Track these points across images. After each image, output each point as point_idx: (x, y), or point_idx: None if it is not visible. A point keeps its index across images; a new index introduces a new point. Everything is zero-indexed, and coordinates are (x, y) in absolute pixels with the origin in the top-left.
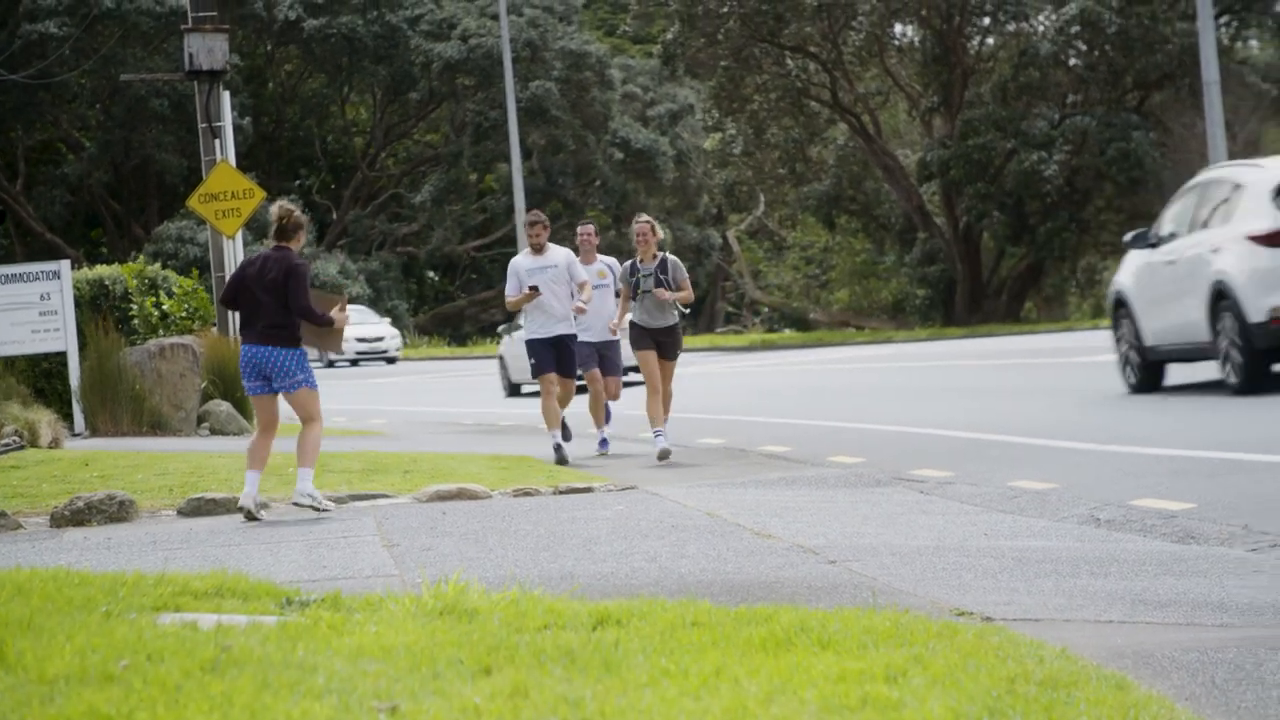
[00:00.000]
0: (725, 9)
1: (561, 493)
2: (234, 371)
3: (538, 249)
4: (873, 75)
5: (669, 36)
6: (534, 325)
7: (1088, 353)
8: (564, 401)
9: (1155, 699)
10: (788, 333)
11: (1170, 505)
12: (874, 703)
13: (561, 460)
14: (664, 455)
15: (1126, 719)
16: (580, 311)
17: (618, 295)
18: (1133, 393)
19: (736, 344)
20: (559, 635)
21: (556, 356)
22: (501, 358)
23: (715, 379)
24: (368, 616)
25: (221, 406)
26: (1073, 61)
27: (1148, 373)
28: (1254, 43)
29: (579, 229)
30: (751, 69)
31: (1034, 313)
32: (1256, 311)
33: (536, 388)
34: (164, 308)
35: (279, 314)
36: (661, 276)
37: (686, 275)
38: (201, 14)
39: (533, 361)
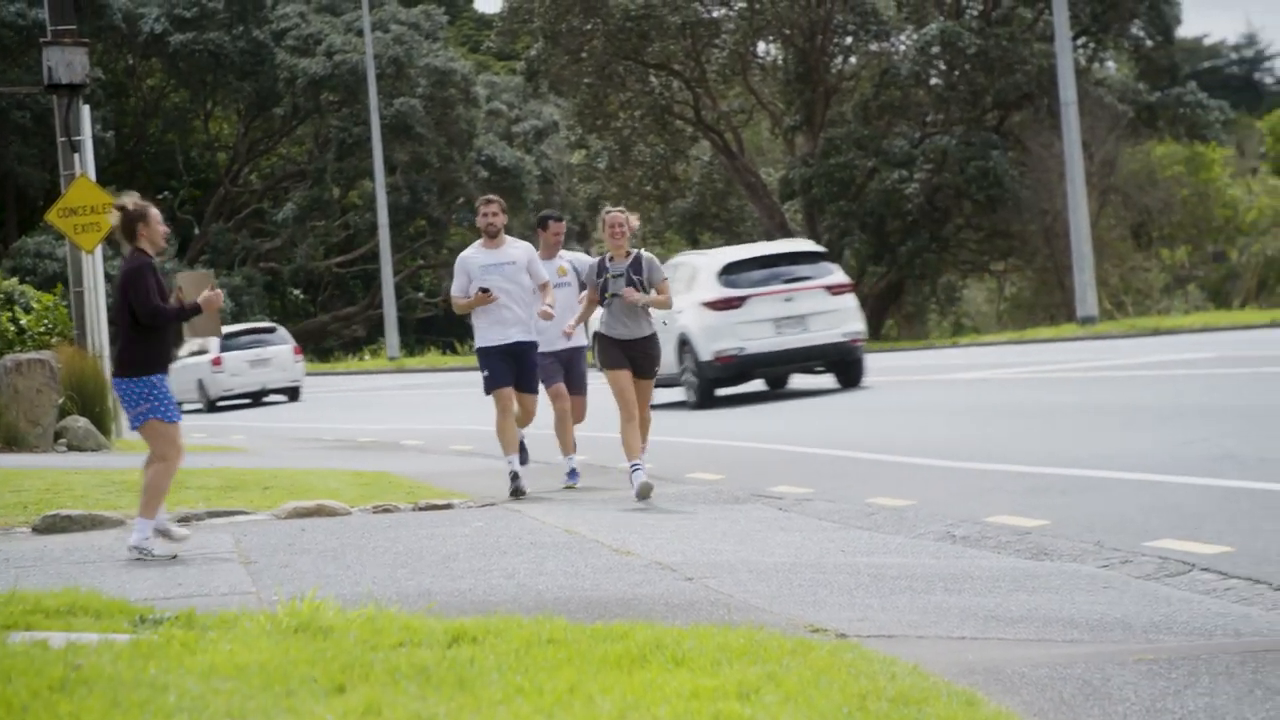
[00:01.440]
0: (589, 26)
1: (421, 509)
2: (92, 388)
3: (493, 237)
4: (736, 93)
5: (533, 53)
6: (487, 331)
7: (947, 370)
8: (524, 421)
9: (1005, 715)
10: None
11: (1024, 522)
12: None
13: (518, 492)
14: (644, 492)
15: None
16: (546, 317)
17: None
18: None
19: None
20: (414, 653)
21: (515, 368)
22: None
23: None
24: (222, 634)
25: (79, 422)
26: (933, 81)
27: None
28: (1110, 64)
29: (552, 224)
30: (616, 86)
31: (895, 330)
32: (706, 353)
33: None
34: (21, 323)
35: (123, 333)
36: (635, 277)
37: (665, 276)
38: (60, 27)
39: (485, 374)
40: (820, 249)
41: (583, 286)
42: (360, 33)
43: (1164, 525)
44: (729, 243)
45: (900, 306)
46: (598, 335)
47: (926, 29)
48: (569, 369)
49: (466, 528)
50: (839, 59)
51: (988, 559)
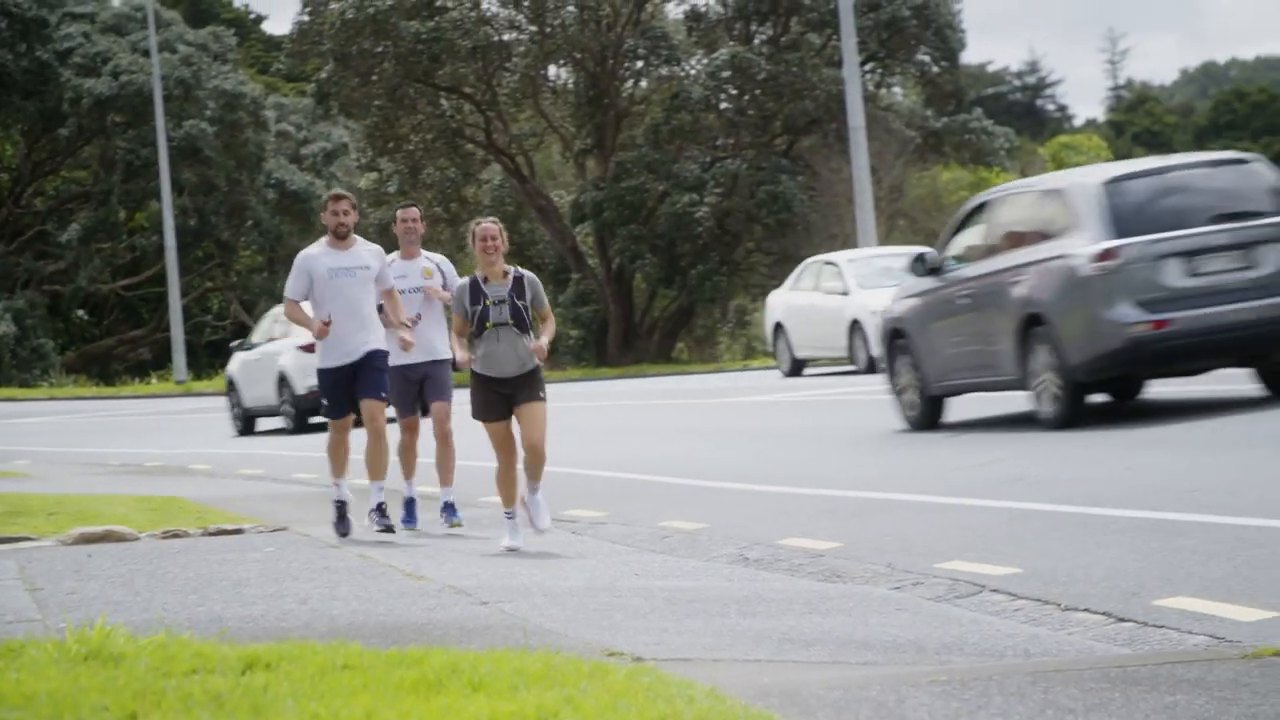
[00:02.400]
0: (380, 49)
1: (211, 534)
2: None
3: (342, 237)
4: (527, 116)
5: (323, 75)
6: (329, 347)
7: (737, 393)
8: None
9: None
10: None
11: (817, 544)
12: None
13: (344, 532)
14: (513, 548)
15: None
16: (405, 346)
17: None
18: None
19: None
20: (207, 680)
21: (359, 387)
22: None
23: None
24: (8, 663)
25: None
26: (723, 106)
27: (248, 423)
28: (898, 90)
29: (400, 213)
30: (406, 109)
31: (686, 353)
32: (302, 387)
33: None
34: None
35: None
36: (519, 303)
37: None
38: None
39: (324, 402)
40: None
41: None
42: (147, 53)
43: (955, 547)
44: (521, 265)
45: (691, 330)
46: (474, 376)
47: (717, 54)
48: (428, 379)
49: (257, 553)
50: (630, 83)
51: (781, 581)
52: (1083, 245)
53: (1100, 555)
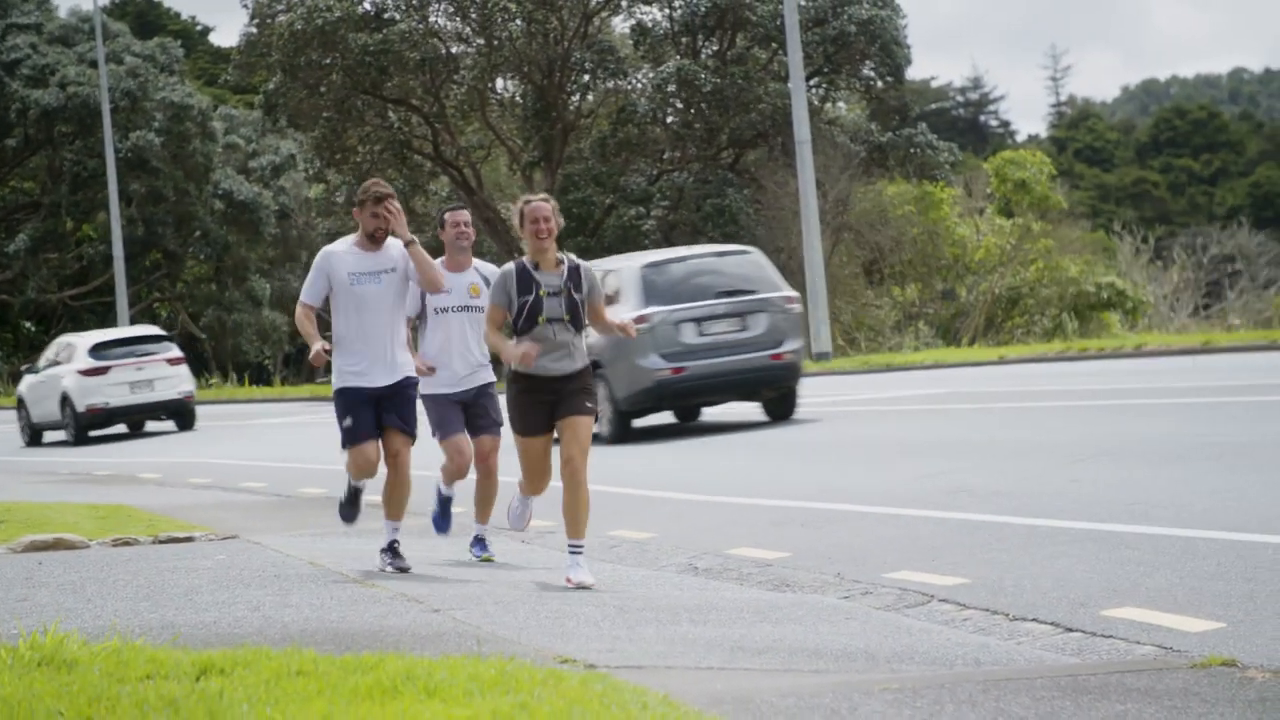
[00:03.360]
0: (328, 61)
1: (162, 542)
2: None
3: (376, 240)
4: (475, 129)
5: (271, 87)
6: (349, 365)
7: None
8: (396, 483)
9: None
10: None
11: (766, 554)
12: None
13: (350, 517)
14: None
15: None
16: (424, 371)
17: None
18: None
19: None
20: (162, 685)
21: (386, 408)
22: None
23: (313, 428)
24: None
25: None
26: (670, 119)
27: (35, 435)
28: (842, 105)
29: (448, 216)
30: (354, 121)
31: None
32: (81, 405)
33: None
34: None
35: None
36: (575, 296)
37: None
38: None
39: (346, 424)
40: (163, 332)
41: None
42: (94, 64)
43: (903, 557)
44: None
45: None
46: (514, 377)
47: (663, 68)
48: (473, 409)
49: (208, 560)
50: (577, 96)
51: (731, 590)
52: (626, 312)
53: (1047, 566)
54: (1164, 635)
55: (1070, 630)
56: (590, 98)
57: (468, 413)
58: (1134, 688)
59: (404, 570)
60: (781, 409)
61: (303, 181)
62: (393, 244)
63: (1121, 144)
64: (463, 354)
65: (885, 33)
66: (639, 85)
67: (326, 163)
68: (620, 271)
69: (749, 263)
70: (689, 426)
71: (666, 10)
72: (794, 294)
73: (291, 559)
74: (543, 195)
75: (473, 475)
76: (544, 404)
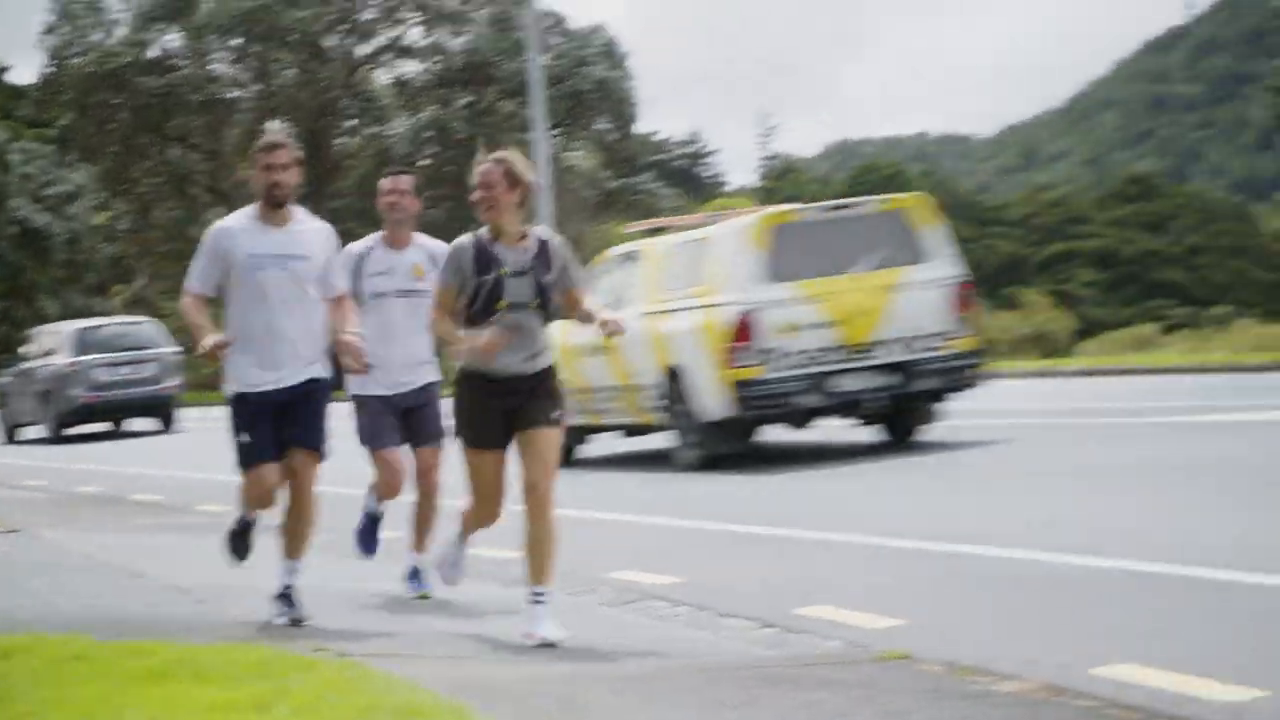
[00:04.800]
0: (118, 100)
1: None
2: None
3: (277, 204)
4: (248, 165)
5: (65, 123)
6: (249, 364)
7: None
8: (290, 509)
9: None
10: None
11: (503, 554)
12: None
13: (241, 553)
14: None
15: None
16: (357, 368)
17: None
18: None
19: None
20: None
21: (289, 422)
22: None
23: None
24: None
25: None
26: (426, 162)
27: None
28: (579, 154)
29: (384, 183)
30: (139, 156)
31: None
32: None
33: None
34: None
35: None
36: (544, 280)
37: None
38: None
39: (243, 439)
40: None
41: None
42: None
43: (624, 559)
44: None
45: None
46: (464, 377)
47: (420, 115)
48: (414, 416)
49: None
50: (342, 139)
51: (472, 587)
52: (61, 360)
53: (749, 568)
54: (850, 632)
55: (768, 626)
56: (354, 140)
57: (406, 420)
58: (825, 678)
59: (300, 622)
60: None
61: (90, 209)
62: (304, 220)
63: (821, 194)
64: (404, 347)
65: (617, 92)
66: (398, 131)
67: (112, 193)
68: (60, 332)
69: (149, 327)
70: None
71: (425, 65)
72: (178, 348)
73: (69, 552)
74: (496, 156)
75: (409, 495)
76: (501, 411)
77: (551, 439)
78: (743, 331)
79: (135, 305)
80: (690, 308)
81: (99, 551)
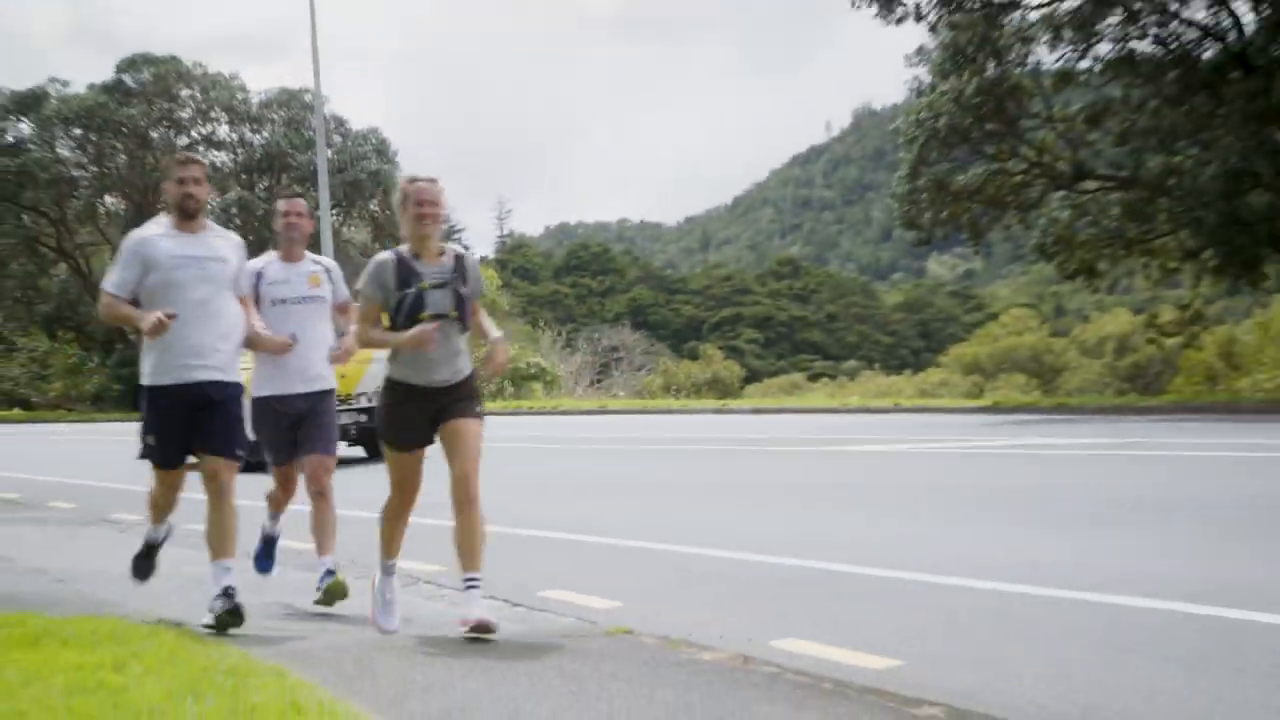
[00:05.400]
0: None
1: None
2: None
3: (190, 215)
4: (89, 230)
5: None
6: (168, 359)
7: None
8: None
9: (305, 684)
10: (15, 410)
11: (306, 545)
12: (107, 686)
13: (143, 574)
14: (486, 627)
15: (284, 694)
16: (282, 348)
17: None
18: None
19: None
20: None
21: (205, 424)
22: None
23: None
24: None
25: None
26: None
27: None
28: (355, 229)
29: (282, 204)
30: None
31: None
32: None
33: None
34: None
35: None
36: (462, 291)
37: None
38: None
39: (149, 440)
40: None
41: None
42: None
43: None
44: (78, 339)
45: None
46: (390, 386)
47: (228, 195)
48: (308, 422)
49: None
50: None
51: (294, 574)
52: None
53: (504, 558)
54: (581, 611)
55: (517, 605)
56: None
57: (301, 425)
58: (566, 649)
59: (235, 612)
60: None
61: None
62: (217, 232)
63: (545, 265)
64: (303, 353)
65: (387, 180)
66: (211, 208)
67: None
68: None
69: None
70: None
71: (232, 156)
72: None
73: None
74: (430, 176)
75: (304, 505)
76: (426, 414)
77: (474, 430)
78: None
79: None
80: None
81: None
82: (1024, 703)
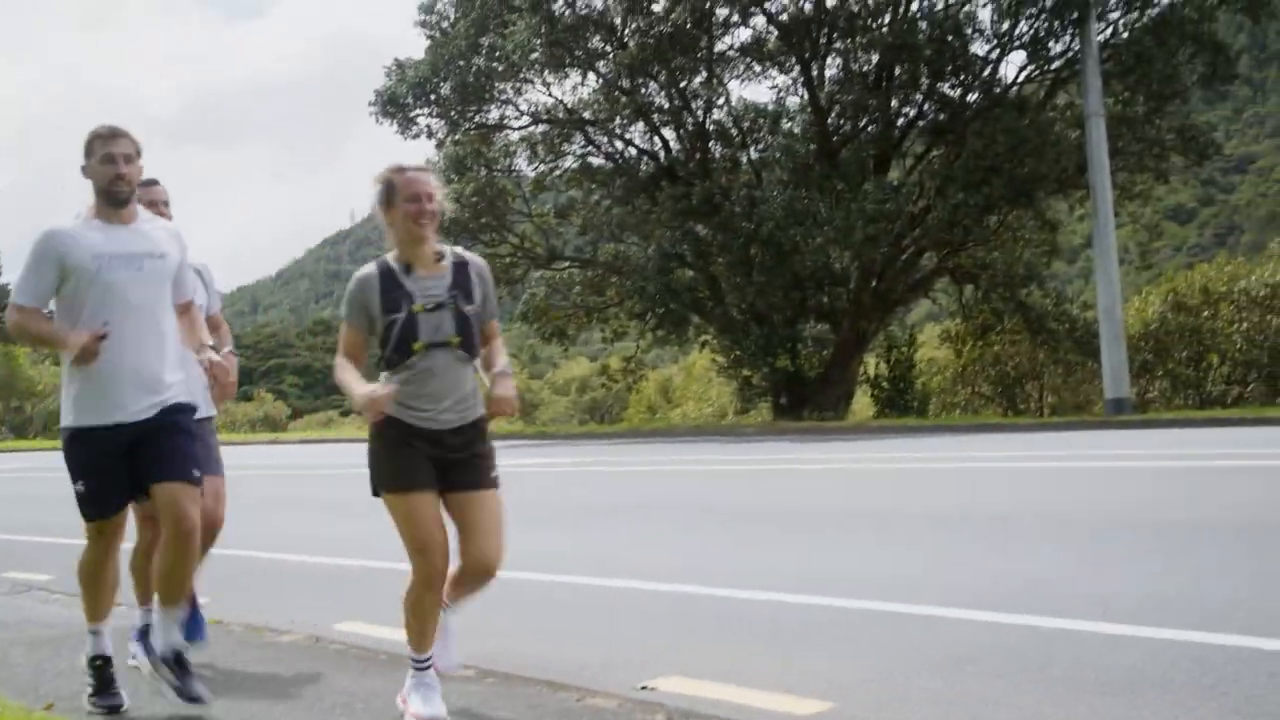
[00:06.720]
0: None
1: None
2: None
3: (120, 203)
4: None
5: None
6: (92, 392)
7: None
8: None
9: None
10: None
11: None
12: None
13: (114, 706)
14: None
15: None
16: (224, 391)
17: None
18: None
19: None
20: None
21: (152, 448)
22: None
23: None
24: None
25: None
26: None
27: None
28: None
29: (140, 191)
30: None
31: None
32: None
33: None
34: None
35: None
36: (465, 310)
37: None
38: None
39: (80, 488)
40: None
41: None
42: None
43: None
44: None
45: None
46: (387, 424)
47: None
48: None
49: None
50: None
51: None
52: None
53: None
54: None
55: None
56: None
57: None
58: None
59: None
60: None
61: None
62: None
63: None
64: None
65: None
66: None
67: None
68: None
69: None
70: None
71: None
72: None
73: None
74: (420, 164)
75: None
76: (427, 455)
77: (495, 504)
78: None
79: None
80: None
81: None
82: None
